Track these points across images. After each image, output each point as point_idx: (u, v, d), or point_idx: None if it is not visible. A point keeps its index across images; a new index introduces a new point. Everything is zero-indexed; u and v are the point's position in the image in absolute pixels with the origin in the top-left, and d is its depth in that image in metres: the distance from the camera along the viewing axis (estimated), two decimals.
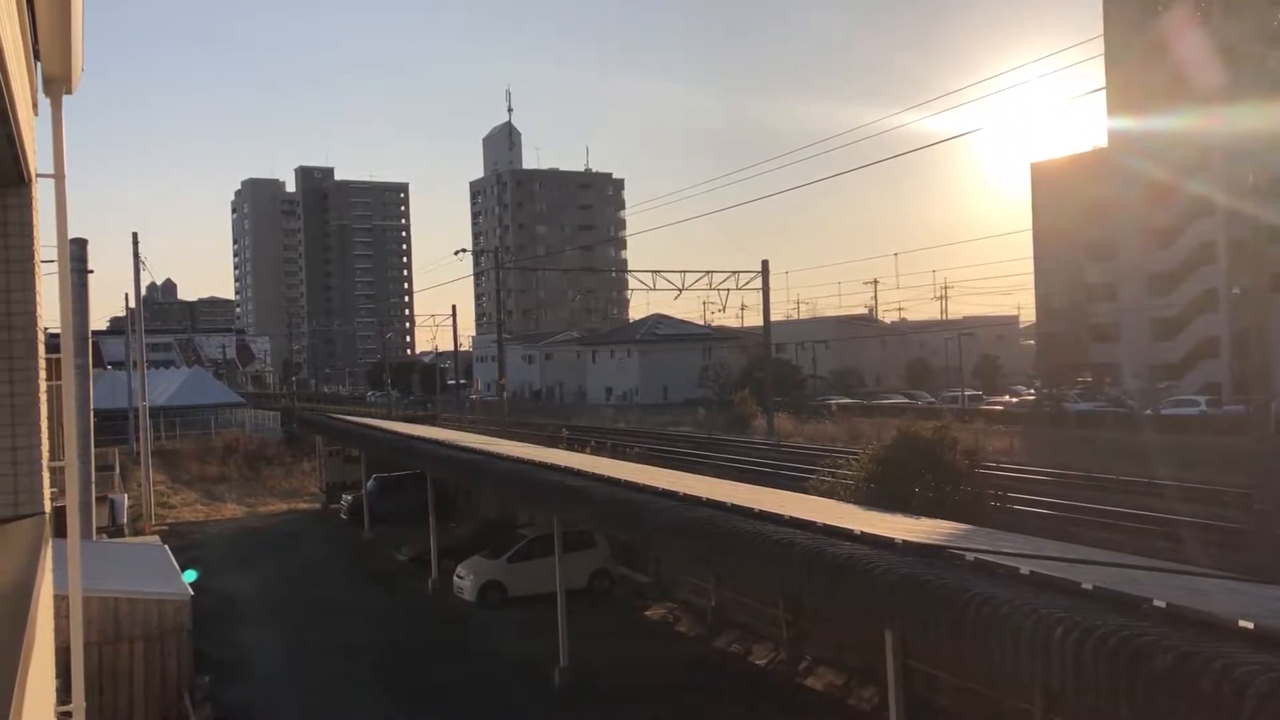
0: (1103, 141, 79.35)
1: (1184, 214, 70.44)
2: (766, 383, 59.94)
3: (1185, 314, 70.63)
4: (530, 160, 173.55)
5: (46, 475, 6.39)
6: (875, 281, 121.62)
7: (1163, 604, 7.34)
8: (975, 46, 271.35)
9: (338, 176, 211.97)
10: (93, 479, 26.18)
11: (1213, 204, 67.33)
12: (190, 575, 16.17)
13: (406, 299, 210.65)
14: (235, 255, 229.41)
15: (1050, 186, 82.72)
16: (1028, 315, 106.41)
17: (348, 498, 37.29)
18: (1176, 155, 67.89)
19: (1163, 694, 6.17)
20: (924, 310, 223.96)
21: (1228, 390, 64.60)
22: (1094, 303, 78.35)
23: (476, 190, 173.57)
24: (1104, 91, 69.95)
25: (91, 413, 26.10)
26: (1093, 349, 78.96)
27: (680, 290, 60.88)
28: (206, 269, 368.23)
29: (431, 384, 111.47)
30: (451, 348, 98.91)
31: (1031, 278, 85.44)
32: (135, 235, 36.79)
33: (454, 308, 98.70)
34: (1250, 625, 6.76)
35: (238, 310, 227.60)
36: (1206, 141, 66.57)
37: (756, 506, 12.72)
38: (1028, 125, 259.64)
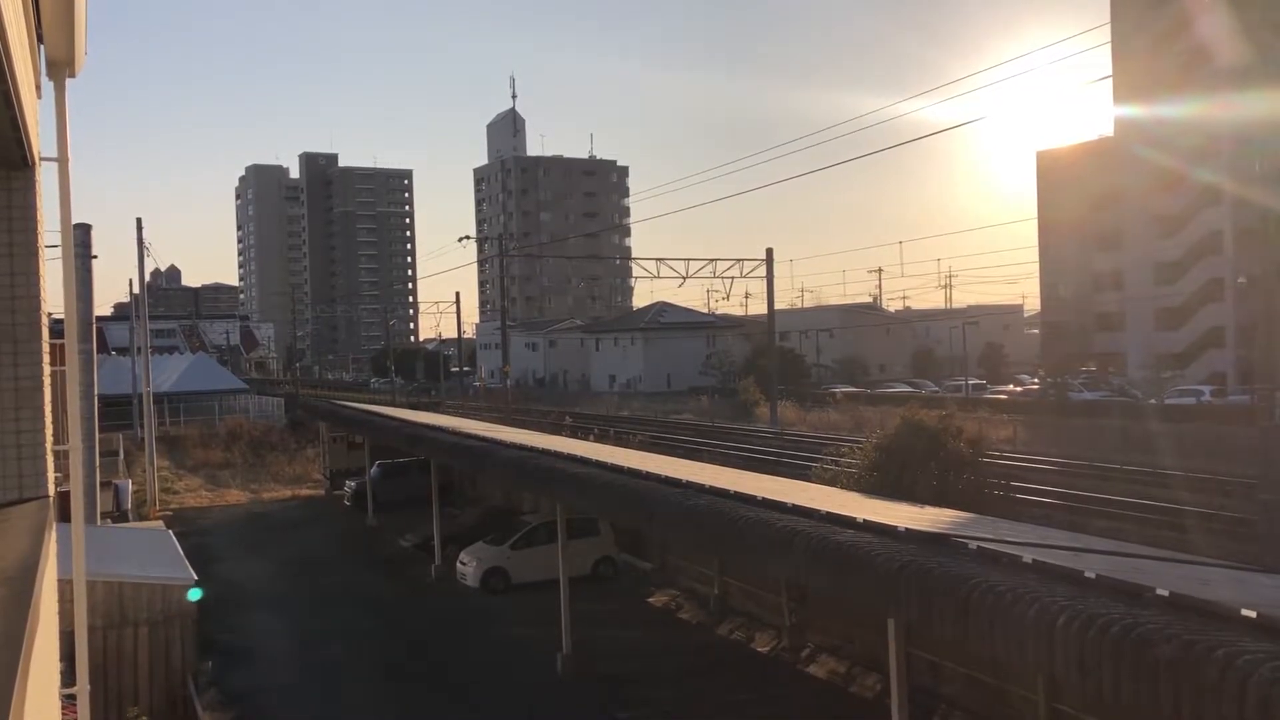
0: (1109, 130, 79.11)
1: (1191, 202, 70.23)
2: (770, 371, 59.87)
3: (1191, 303, 70.49)
4: (534, 147, 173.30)
5: (51, 459, 6.39)
6: (880, 270, 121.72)
7: (1166, 593, 7.33)
8: (980, 33, 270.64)
9: (342, 163, 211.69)
10: (97, 464, 26.24)
11: (1220, 192, 67.10)
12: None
13: (410, 286, 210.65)
14: (239, 241, 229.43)
15: (1056, 175, 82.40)
16: (1033, 304, 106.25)
17: (351, 484, 37.34)
18: (1184, 143, 67.61)
19: (1165, 682, 6.17)
20: (928, 299, 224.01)
21: (1233, 380, 64.51)
22: (1100, 292, 78.18)
23: (480, 177, 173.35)
24: (1111, 79, 69.63)
25: (96, 398, 26.14)
26: (1098, 338, 78.84)
27: (684, 278, 60.69)
28: (210, 255, 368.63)
29: (435, 371, 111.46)
30: (455, 335, 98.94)
31: (1037, 266, 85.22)
32: (139, 221, 36.85)
33: (458, 295, 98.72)
34: (1253, 614, 6.75)
35: (242, 296, 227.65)
36: (1214, 129, 66.22)
37: (759, 494, 12.72)
38: (1033, 113, 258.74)
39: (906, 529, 10.08)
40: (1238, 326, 67.19)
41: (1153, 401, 54.16)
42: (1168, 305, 71.41)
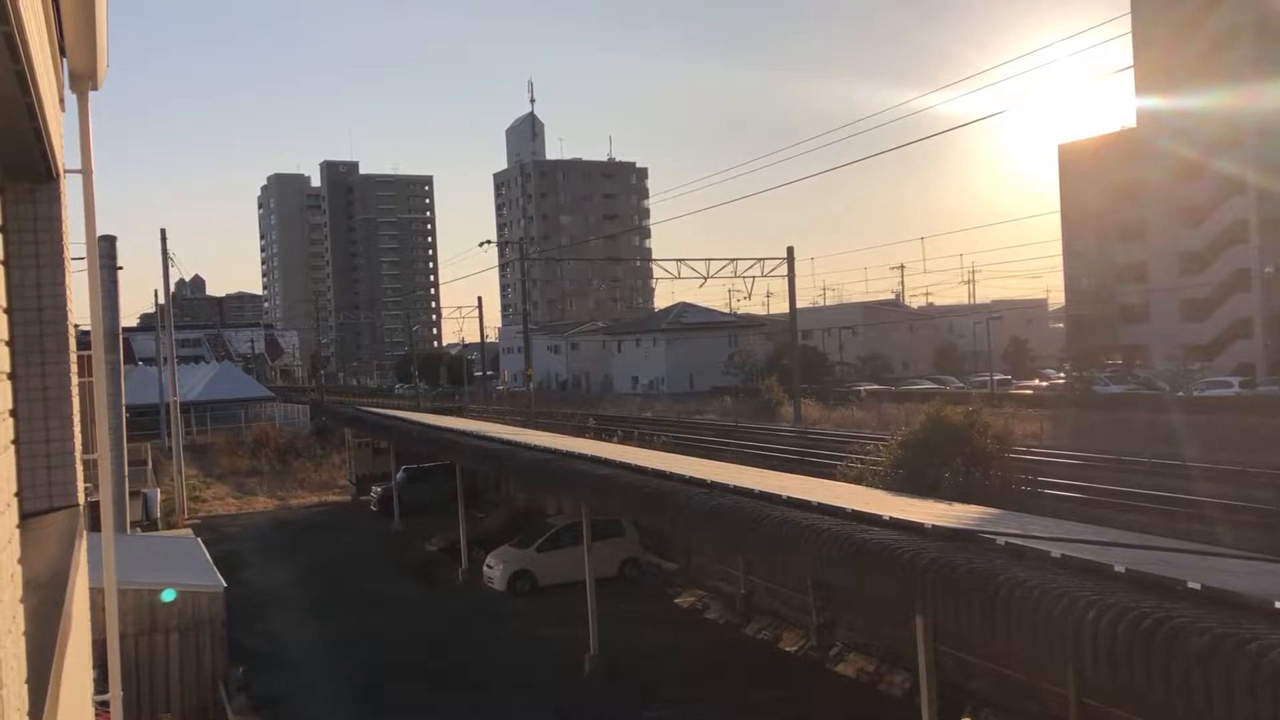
0: (1131, 121, 78.53)
1: (1215, 193, 69.58)
2: (793, 369, 59.73)
3: (1217, 294, 69.80)
4: (553, 151, 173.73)
5: (80, 468, 6.46)
6: (902, 266, 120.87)
7: (1196, 585, 7.26)
8: (999, 26, 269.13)
9: (362, 170, 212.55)
10: (125, 473, 26.48)
11: (1244, 182, 66.44)
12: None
13: (432, 291, 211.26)
14: (262, 250, 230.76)
15: (1078, 167, 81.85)
16: (1057, 298, 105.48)
17: (377, 489, 37.48)
18: (1207, 134, 67.02)
19: (1197, 676, 6.11)
20: (951, 294, 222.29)
21: (1262, 370, 63.82)
22: (1124, 284, 77.56)
23: (500, 182, 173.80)
24: (1132, 70, 69.09)
25: (123, 408, 26.37)
26: (1123, 331, 78.22)
27: (705, 278, 60.59)
28: (234, 264, 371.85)
29: (459, 375, 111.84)
30: (478, 339, 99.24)
31: (1060, 260, 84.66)
32: (163, 232, 37.04)
33: (480, 299, 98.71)
34: None
35: (265, 305, 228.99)
36: (1237, 119, 65.62)
37: (784, 493, 12.68)
38: (1054, 106, 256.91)
39: (933, 525, 10.03)
40: (1265, 316, 66.48)
41: (1180, 394, 53.67)
42: (1193, 296, 70.75)
